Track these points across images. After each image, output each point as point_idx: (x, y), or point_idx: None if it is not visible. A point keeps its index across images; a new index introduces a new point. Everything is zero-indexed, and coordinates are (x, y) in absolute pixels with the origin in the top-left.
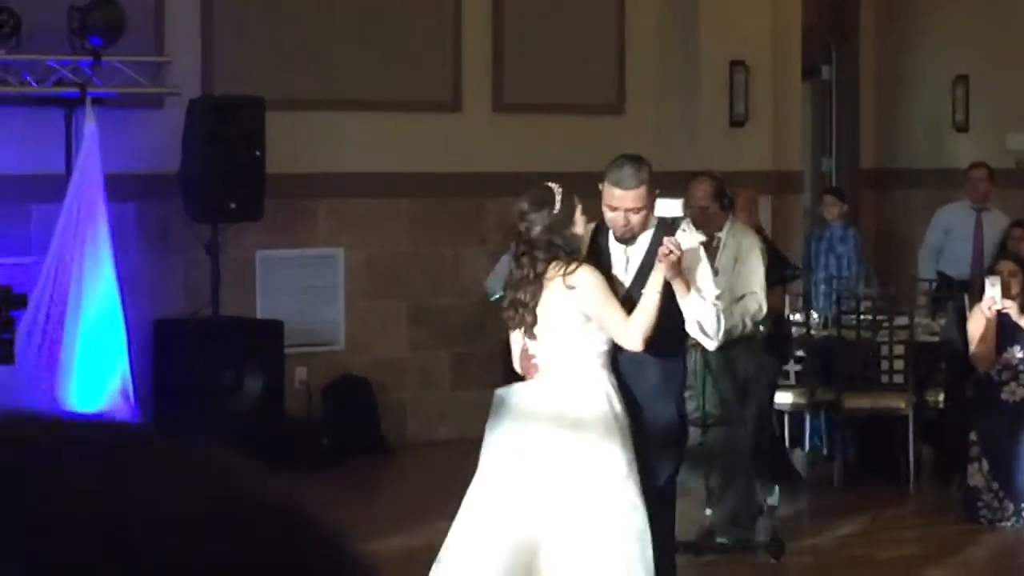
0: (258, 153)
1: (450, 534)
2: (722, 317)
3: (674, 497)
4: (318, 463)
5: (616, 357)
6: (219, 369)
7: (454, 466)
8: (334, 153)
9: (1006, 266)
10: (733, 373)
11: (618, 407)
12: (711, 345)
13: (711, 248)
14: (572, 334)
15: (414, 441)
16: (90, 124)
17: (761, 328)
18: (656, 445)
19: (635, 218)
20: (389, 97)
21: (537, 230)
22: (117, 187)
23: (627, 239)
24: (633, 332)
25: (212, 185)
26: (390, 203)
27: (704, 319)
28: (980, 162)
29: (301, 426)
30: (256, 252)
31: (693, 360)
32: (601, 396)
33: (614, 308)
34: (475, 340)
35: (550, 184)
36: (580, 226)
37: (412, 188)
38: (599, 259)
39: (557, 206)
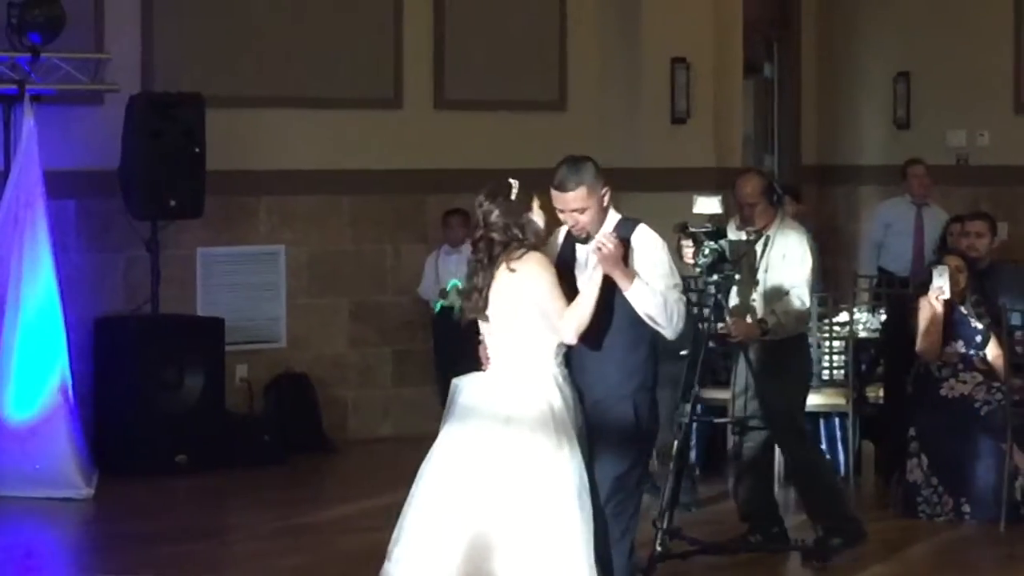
0: (198, 150)
1: (399, 529)
2: (675, 306)
3: (631, 496)
4: (259, 460)
5: (574, 352)
6: (160, 367)
7: (396, 463)
8: (275, 150)
9: (952, 260)
10: (783, 375)
11: (558, 402)
12: (667, 334)
13: (744, 245)
14: (516, 324)
15: (355, 438)
16: (29, 121)
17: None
18: (607, 442)
19: (582, 218)
20: (330, 94)
21: (495, 215)
22: (56, 184)
23: (584, 239)
24: (566, 324)
25: (152, 182)
26: (331, 200)
27: (651, 310)
28: (917, 159)
29: (242, 423)
30: (197, 249)
31: (738, 360)
32: (539, 391)
33: (555, 299)
34: (416, 337)
35: (509, 179)
36: (538, 217)
37: (353, 185)
38: (566, 261)
39: (513, 194)
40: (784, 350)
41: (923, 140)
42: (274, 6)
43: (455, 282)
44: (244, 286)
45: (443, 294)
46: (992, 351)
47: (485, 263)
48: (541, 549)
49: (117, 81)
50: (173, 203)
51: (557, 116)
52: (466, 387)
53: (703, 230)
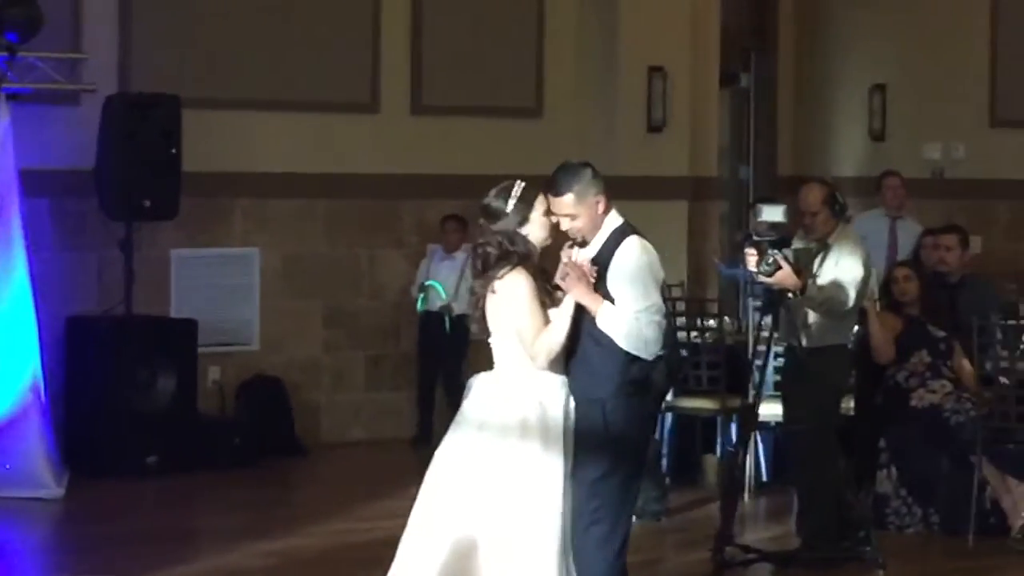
0: (174, 151)
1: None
2: (646, 331)
3: (609, 504)
4: (231, 463)
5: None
6: (132, 367)
7: (367, 467)
8: (251, 152)
9: (901, 272)
10: (819, 381)
11: (551, 412)
12: (646, 355)
13: (811, 255)
14: (504, 336)
15: (327, 441)
16: (4, 120)
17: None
18: (582, 446)
19: (574, 224)
20: (307, 97)
21: (493, 226)
22: (32, 183)
23: (580, 242)
24: (536, 350)
25: (127, 182)
26: (306, 203)
27: (619, 337)
28: (893, 170)
29: (214, 425)
30: (171, 250)
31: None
32: (524, 397)
33: (530, 320)
34: (389, 342)
35: (517, 181)
36: (537, 227)
37: (329, 189)
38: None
39: (510, 204)
40: (819, 358)
41: (899, 152)
42: (253, 8)
43: (435, 283)
44: (218, 288)
45: (422, 288)
46: (955, 361)
47: (479, 271)
48: (513, 556)
49: (94, 81)
50: (148, 204)
51: (533, 123)
52: (472, 386)
53: (767, 239)
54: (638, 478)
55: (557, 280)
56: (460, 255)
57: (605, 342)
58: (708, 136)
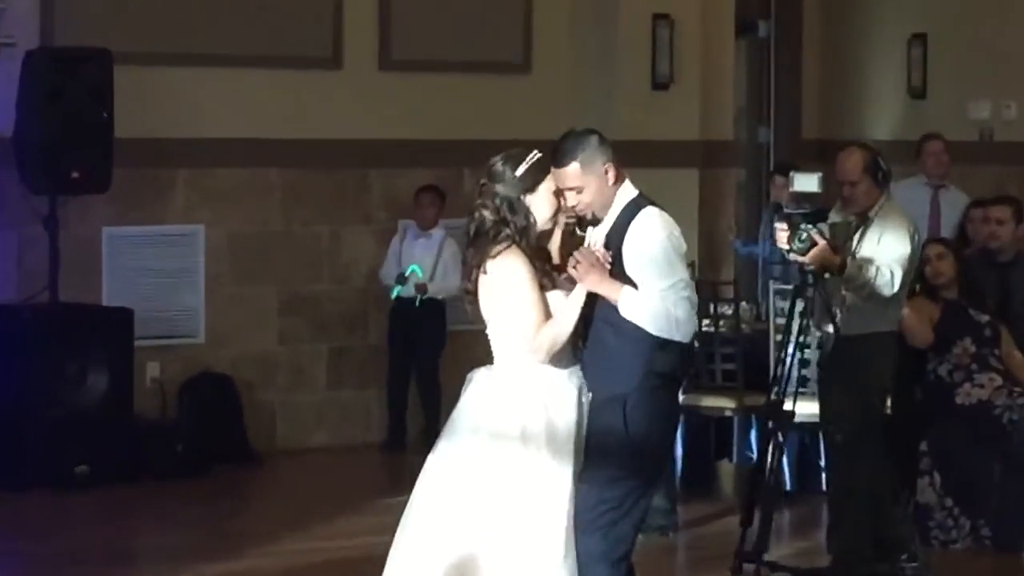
0: (105, 114)
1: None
2: (674, 311)
3: (616, 509)
4: (173, 472)
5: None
6: (59, 363)
7: (331, 477)
8: (194, 115)
9: (933, 249)
10: (862, 374)
11: (556, 416)
12: (680, 337)
13: (850, 229)
14: (500, 327)
15: (284, 448)
16: None
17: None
18: (596, 447)
19: (581, 197)
20: (259, 52)
21: (496, 187)
22: None
23: (591, 220)
24: (538, 342)
25: (52, 150)
26: (259, 173)
27: (646, 323)
28: (935, 133)
29: (153, 429)
30: (102, 229)
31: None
32: (532, 405)
33: (531, 311)
34: (355, 333)
35: (535, 151)
36: (543, 200)
37: (285, 157)
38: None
39: (520, 169)
40: (861, 347)
41: (941, 112)
42: None
43: (416, 267)
44: (157, 272)
45: (401, 279)
46: (1003, 349)
47: (471, 237)
48: (515, 564)
49: (12, 34)
50: (76, 175)
51: (520, 80)
52: (470, 382)
53: (800, 212)
54: (654, 485)
55: (570, 267)
56: (437, 233)
57: (625, 328)
58: (722, 94)
